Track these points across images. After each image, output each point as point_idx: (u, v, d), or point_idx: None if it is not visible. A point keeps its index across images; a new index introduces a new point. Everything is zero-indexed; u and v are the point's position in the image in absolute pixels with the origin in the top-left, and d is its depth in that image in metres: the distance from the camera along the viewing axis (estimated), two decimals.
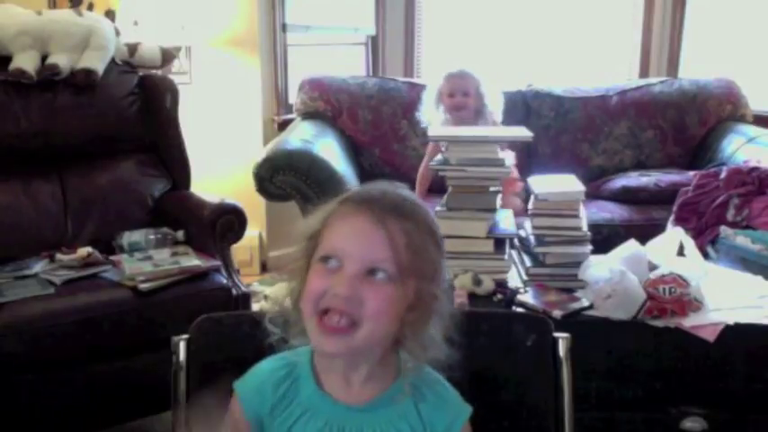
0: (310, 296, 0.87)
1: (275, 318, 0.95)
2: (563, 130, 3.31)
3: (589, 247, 1.92)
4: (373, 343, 0.89)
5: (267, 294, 2.89)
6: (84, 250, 2.17)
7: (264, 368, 0.95)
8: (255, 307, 2.64)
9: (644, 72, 3.93)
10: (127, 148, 2.58)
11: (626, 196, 2.97)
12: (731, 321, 1.71)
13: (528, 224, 2.00)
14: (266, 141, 3.09)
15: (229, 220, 2.33)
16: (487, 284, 1.86)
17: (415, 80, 3.55)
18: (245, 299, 2.26)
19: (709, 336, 1.68)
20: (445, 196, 2.05)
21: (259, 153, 2.76)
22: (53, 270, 2.11)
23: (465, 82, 2.74)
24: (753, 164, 2.60)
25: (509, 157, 2.13)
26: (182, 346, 1.08)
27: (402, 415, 0.91)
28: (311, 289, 0.88)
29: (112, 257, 2.20)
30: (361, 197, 0.90)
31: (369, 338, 0.87)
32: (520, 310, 1.78)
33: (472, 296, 1.83)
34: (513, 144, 2.47)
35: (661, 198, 2.85)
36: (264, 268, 3.53)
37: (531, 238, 1.97)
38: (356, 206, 0.89)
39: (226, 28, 3.35)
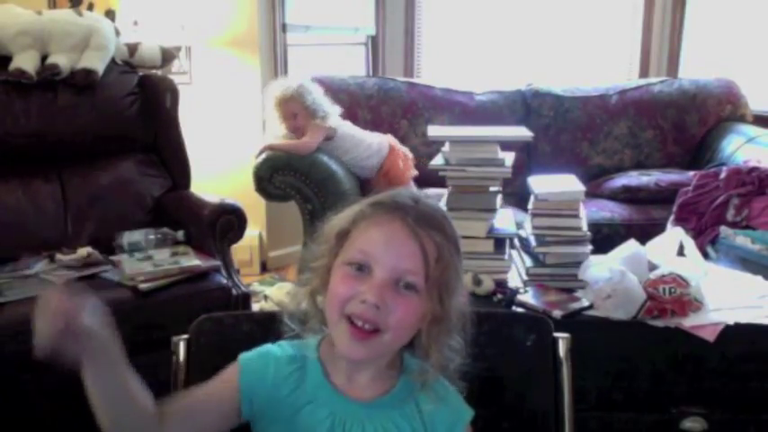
0: (336, 300, 0.87)
1: (293, 314, 0.95)
2: (563, 129, 3.31)
3: (589, 247, 1.92)
4: (391, 351, 0.90)
5: (267, 294, 2.89)
6: (84, 250, 2.17)
7: (272, 348, 0.95)
8: (255, 307, 2.64)
9: (644, 72, 3.94)
10: (127, 148, 2.58)
11: (626, 195, 2.97)
12: (731, 321, 1.71)
13: (528, 224, 2.00)
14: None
15: (229, 220, 2.33)
16: (487, 284, 1.86)
17: (414, 80, 3.55)
18: (245, 299, 2.26)
19: (709, 336, 1.68)
20: (445, 196, 2.05)
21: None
22: (53, 270, 2.11)
23: (289, 106, 2.76)
24: (752, 164, 2.60)
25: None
26: (182, 346, 1.08)
27: (404, 415, 0.91)
28: (338, 293, 0.87)
29: (112, 257, 2.20)
30: (394, 203, 0.89)
31: (389, 346, 0.88)
32: (520, 310, 1.78)
33: (472, 296, 1.83)
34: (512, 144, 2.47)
35: (661, 198, 2.85)
36: (264, 268, 3.53)
37: (531, 238, 1.97)
38: (389, 212, 0.88)
39: (226, 28, 3.35)
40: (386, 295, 0.85)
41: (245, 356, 0.93)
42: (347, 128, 2.87)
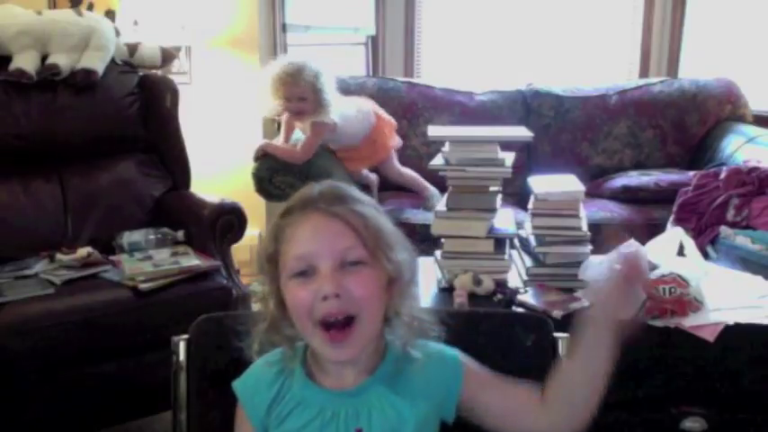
0: (301, 309, 0.88)
1: (265, 346, 0.96)
2: (563, 129, 3.31)
3: (589, 247, 1.92)
4: (372, 330, 0.90)
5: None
6: (84, 250, 2.17)
7: (259, 366, 0.97)
8: (255, 307, 2.64)
9: (644, 72, 3.93)
10: (127, 148, 2.58)
11: (626, 195, 2.96)
12: (731, 321, 1.71)
13: (528, 224, 2.00)
14: None
15: (229, 220, 2.34)
16: (487, 284, 1.86)
17: (414, 80, 3.55)
18: (245, 299, 2.26)
19: (709, 336, 1.68)
20: (445, 196, 2.05)
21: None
22: (53, 270, 2.11)
23: (299, 89, 2.54)
24: (752, 164, 2.59)
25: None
26: (182, 346, 1.08)
27: (394, 390, 0.91)
28: (299, 302, 0.88)
29: (112, 257, 2.20)
30: (301, 202, 0.91)
31: (368, 331, 0.89)
32: (520, 310, 1.78)
33: (472, 296, 1.83)
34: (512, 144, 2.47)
35: (661, 198, 2.85)
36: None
37: (531, 238, 1.97)
38: (301, 211, 0.90)
39: (226, 28, 3.35)
40: (340, 281, 0.86)
41: (238, 384, 0.97)
42: (342, 112, 2.70)
